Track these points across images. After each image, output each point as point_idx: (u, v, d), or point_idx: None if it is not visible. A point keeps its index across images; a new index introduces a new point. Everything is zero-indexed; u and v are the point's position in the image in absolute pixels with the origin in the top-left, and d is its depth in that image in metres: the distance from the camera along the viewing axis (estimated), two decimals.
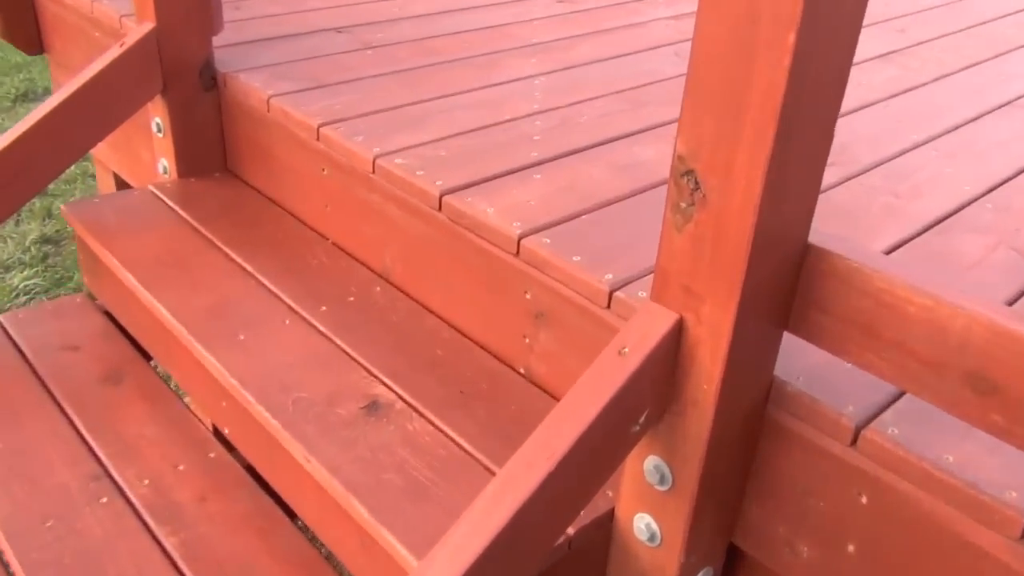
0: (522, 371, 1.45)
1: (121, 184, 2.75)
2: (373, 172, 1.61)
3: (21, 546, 1.33)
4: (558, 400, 1.36)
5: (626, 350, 1.00)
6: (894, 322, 0.95)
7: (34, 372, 1.69)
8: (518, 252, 1.38)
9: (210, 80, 1.95)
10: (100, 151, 2.61)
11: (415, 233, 1.57)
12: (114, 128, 1.87)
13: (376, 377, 1.42)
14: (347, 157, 1.66)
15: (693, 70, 0.89)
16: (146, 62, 1.84)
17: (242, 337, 1.49)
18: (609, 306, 1.26)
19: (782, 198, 0.91)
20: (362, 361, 1.46)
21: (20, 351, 1.74)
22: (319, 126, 1.71)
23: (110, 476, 1.48)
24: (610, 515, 1.20)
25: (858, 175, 1.66)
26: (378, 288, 1.65)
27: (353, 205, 1.69)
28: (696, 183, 0.93)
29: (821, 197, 1.55)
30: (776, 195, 0.90)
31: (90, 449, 1.53)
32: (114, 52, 1.81)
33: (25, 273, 3.45)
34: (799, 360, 1.12)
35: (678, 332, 1.01)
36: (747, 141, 0.87)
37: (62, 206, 1.87)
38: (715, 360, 0.99)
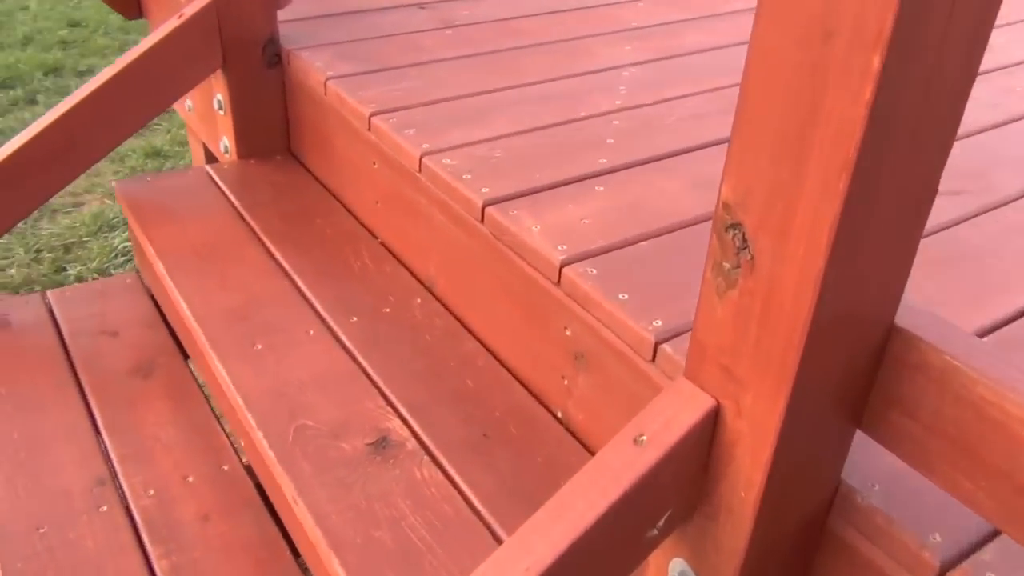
0: (560, 415, 1.26)
1: (210, 157, 2.71)
2: (419, 171, 1.44)
3: (8, 552, 1.25)
4: (593, 453, 1.17)
5: (644, 438, 0.80)
6: (1001, 444, 0.70)
7: (67, 357, 1.63)
8: (559, 281, 1.18)
9: (274, 56, 1.83)
10: (192, 121, 2.56)
11: (458, 244, 1.39)
12: (169, 104, 1.78)
13: (393, 407, 1.27)
14: (395, 152, 1.50)
15: (745, 96, 0.67)
16: (205, 36, 1.74)
17: (259, 347, 1.37)
18: (654, 359, 1.06)
19: (857, 269, 0.69)
20: (382, 386, 1.30)
21: (59, 332, 1.69)
22: (370, 115, 1.55)
23: (116, 481, 1.39)
24: None
25: (995, 208, 1.37)
26: (418, 300, 1.49)
27: (401, 205, 1.53)
28: (744, 240, 0.72)
29: (943, 235, 1.28)
30: (848, 265, 0.68)
31: (103, 448, 1.44)
32: (172, 24, 1.71)
33: (126, 235, 3.50)
34: (877, 462, 0.89)
35: (712, 422, 0.80)
36: (810, 193, 0.65)
37: (115, 183, 1.80)
38: (757, 464, 0.78)
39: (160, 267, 1.54)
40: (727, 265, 0.73)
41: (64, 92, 4.30)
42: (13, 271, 3.09)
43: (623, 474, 0.79)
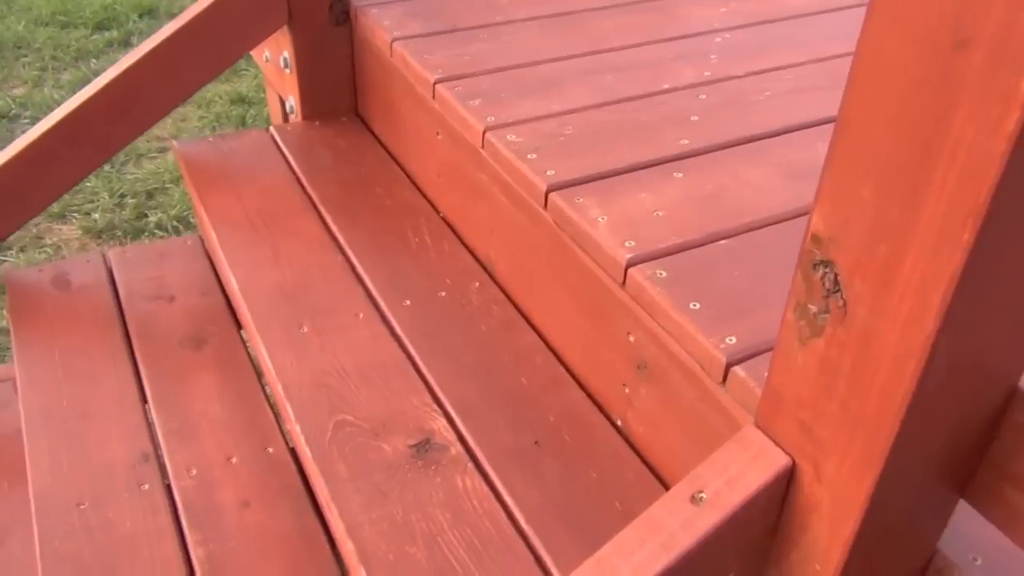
0: (619, 423, 1.15)
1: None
2: (482, 147, 1.33)
3: (48, 529, 1.23)
4: (654, 473, 1.06)
5: (703, 496, 0.69)
6: None
7: (122, 322, 1.60)
8: (624, 283, 1.06)
9: (342, 13, 1.73)
10: (269, 73, 2.50)
11: (520, 228, 1.28)
12: (233, 61, 1.70)
13: (440, 405, 1.18)
14: (459, 124, 1.39)
15: (848, 110, 0.54)
16: None
17: (305, 329, 1.29)
18: (724, 382, 0.93)
19: (977, 331, 0.55)
20: (430, 380, 1.22)
21: (116, 295, 1.66)
22: (435, 82, 1.44)
23: (159, 459, 1.35)
24: None
25: None
26: (477, 284, 1.39)
27: (462, 180, 1.43)
28: (835, 283, 0.59)
29: None
30: (967, 327, 0.54)
31: (150, 422, 1.41)
32: None
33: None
34: (981, 531, 0.75)
35: (785, 484, 0.68)
36: (924, 239, 0.52)
37: (174, 143, 1.75)
38: (837, 537, 0.66)
39: (213, 236, 1.48)
40: (813, 308, 0.61)
41: None
42: (97, 216, 3.13)
43: (677, 537, 0.68)
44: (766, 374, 0.88)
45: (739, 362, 0.92)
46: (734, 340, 0.94)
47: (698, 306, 0.99)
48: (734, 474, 0.69)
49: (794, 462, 0.67)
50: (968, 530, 0.75)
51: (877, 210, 0.54)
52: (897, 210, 0.52)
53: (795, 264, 1.01)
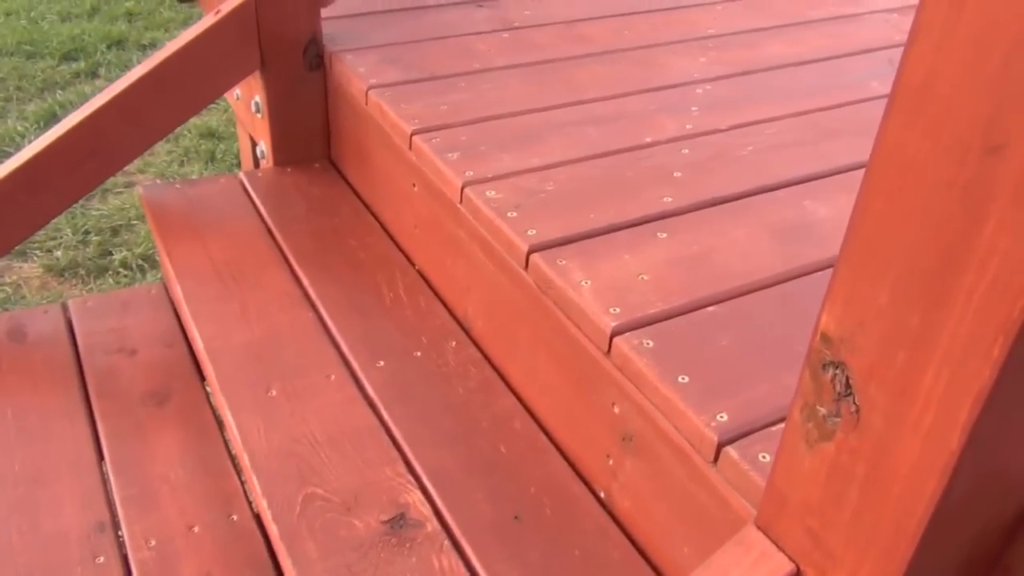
0: (602, 495, 1.10)
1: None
2: (460, 202, 1.29)
3: None
4: (640, 551, 1.01)
5: None
6: None
7: (81, 376, 1.52)
8: (609, 351, 1.02)
9: (316, 59, 1.69)
10: (239, 111, 2.45)
11: (499, 287, 1.24)
12: (204, 106, 1.65)
13: (415, 476, 1.12)
14: (437, 177, 1.35)
15: (864, 207, 0.50)
16: (243, 34, 1.60)
17: (273, 392, 1.24)
18: (716, 461, 0.89)
19: (1004, 446, 0.51)
20: (405, 448, 1.16)
21: (76, 347, 1.59)
22: (412, 133, 1.40)
23: (116, 528, 1.28)
24: None
25: None
26: (453, 343, 1.34)
27: (440, 234, 1.39)
28: (847, 386, 0.55)
29: None
30: (993, 442, 0.50)
31: (107, 486, 1.34)
32: (207, 21, 1.58)
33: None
34: None
35: None
36: (949, 350, 0.48)
37: (139, 188, 1.69)
38: None
39: (178, 289, 1.42)
40: (822, 411, 0.57)
41: (126, 65, 4.25)
42: (59, 253, 3.04)
43: None
44: (761, 456, 0.84)
45: (731, 441, 0.88)
46: (725, 417, 0.90)
47: (687, 379, 0.95)
48: None
49: (799, 569, 0.63)
50: None
51: (896, 315, 0.50)
52: (918, 317, 0.49)
53: (792, 331, 0.98)
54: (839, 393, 0.55)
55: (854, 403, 0.55)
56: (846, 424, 0.55)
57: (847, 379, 0.55)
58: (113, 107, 1.53)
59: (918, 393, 0.50)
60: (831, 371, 0.56)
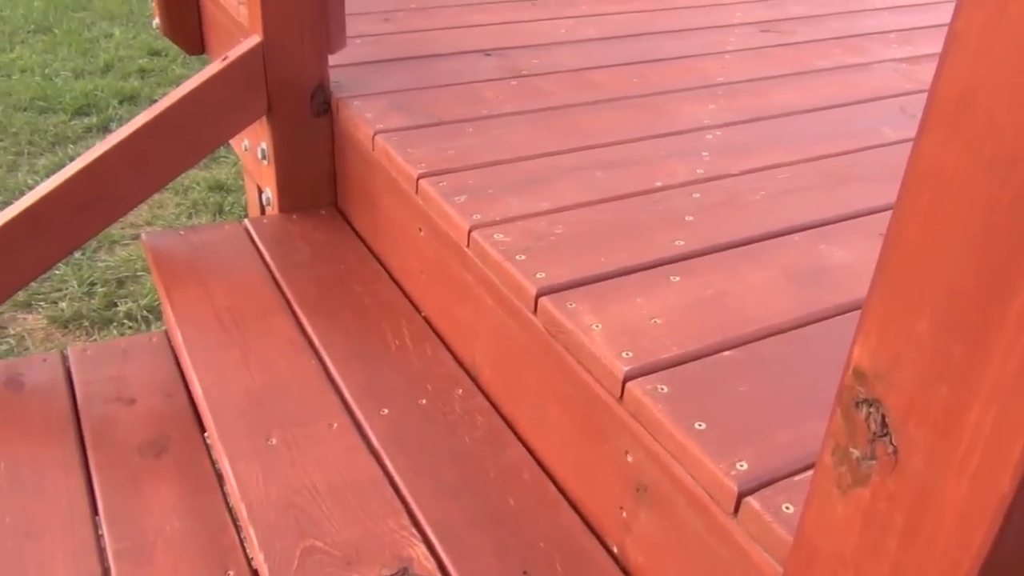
0: (615, 550, 1.05)
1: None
2: (467, 246, 1.26)
3: None
4: None
5: None
6: None
7: (78, 426, 1.48)
8: (622, 397, 0.98)
9: (323, 104, 1.68)
10: (247, 162, 2.45)
11: (507, 333, 1.20)
12: (210, 151, 1.64)
13: (419, 529, 1.07)
14: (443, 220, 1.32)
15: (899, 231, 0.47)
16: (250, 80, 1.60)
17: (274, 441, 1.19)
18: (736, 512, 0.84)
19: None
20: (409, 500, 1.11)
21: (73, 396, 1.55)
22: (419, 177, 1.38)
23: None
24: None
25: None
26: (460, 391, 1.30)
27: (446, 279, 1.36)
28: (883, 426, 0.51)
29: None
30: None
31: (100, 540, 1.29)
32: (215, 67, 1.57)
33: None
34: None
35: None
36: (998, 384, 0.44)
37: (143, 234, 1.67)
38: None
39: (179, 336, 1.39)
40: (856, 453, 0.53)
41: None
42: (64, 304, 3.02)
43: None
44: (784, 507, 0.79)
45: (752, 491, 0.83)
46: (745, 466, 0.86)
47: (704, 426, 0.91)
48: None
49: None
50: None
51: (936, 346, 0.46)
52: (961, 347, 0.45)
53: (812, 377, 0.94)
54: (874, 433, 0.51)
55: (891, 443, 0.51)
56: (883, 467, 0.51)
57: (883, 418, 0.51)
58: (118, 152, 1.52)
59: (963, 431, 0.46)
60: (865, 409, 0.52)
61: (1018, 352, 0.43)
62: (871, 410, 0.51)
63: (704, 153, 1.52)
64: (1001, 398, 0.44)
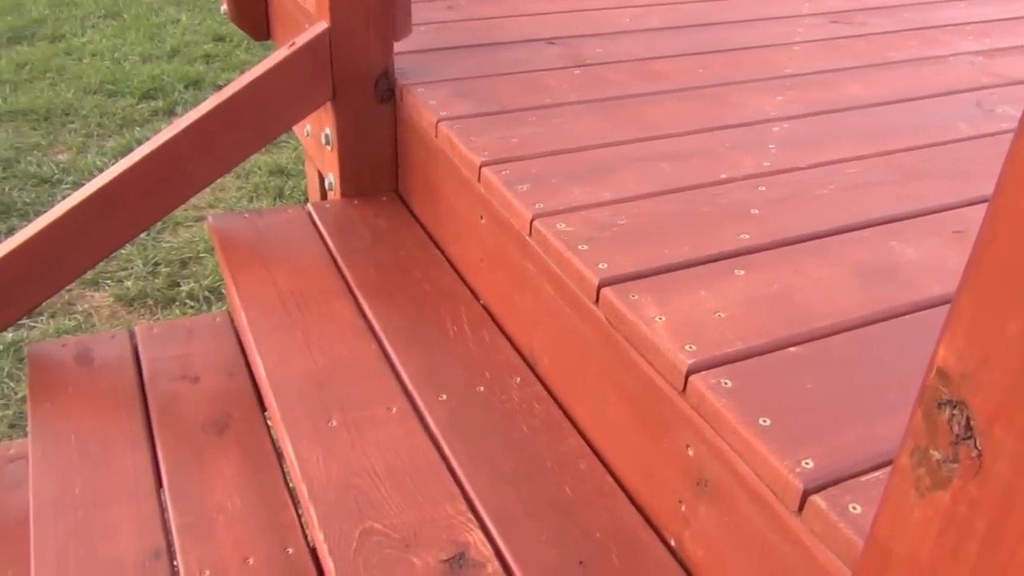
0: (672, 544, 1.04)
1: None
2: (529, 235, 1.26)
3: None
4: None
5: None
6: None
7: (144, 402, 1.52)
8: (685, 390, 0.97)
9: (387, 91, 1.69)
10: (309, 147, 2.48)
11: (568, 323, 1.20)
12: (276, 135, 1.67)
13: (476, 515, 1.08)
14: (505, 209, 1.32)
15: (995, 220, 0.46)
16: (316, 66, 1.62)
17: (334, 423, 1.21)
18: (800, 511, 0.83)
19: None
20: (467, 486, 1.12)
21: (140, 373, 1.59)
22: (481, 165, 1.38)
23: (171, 556, 1.26)
24: None
25: None
26: (518, 379, 1.30)
27: (507, 268, 1.36)
28: (967, 428, 0.49)
29: None
30: None
31: (164, 514, 1.32)
32: (282, 53, 1.59)
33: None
34: None
35: None
36: None
37: (208, 216, 1.70)
38: None
39: (243, 317, 1.42)
40: (936, 455, 0.51)
41: None
42: (129, 283, 3.11)
43: None
44: (851, 507, 0.78)
45: (818, 490, 0.82)
46: (811, 464, 0.84)
47: (768, 422, 0.89)
48: None
49: None
50: None
51: None
52: None
53: (880, 376, 0.92)
54: (957, 436, 0.50)
55: (975, 447, 0.49)
56: (965, 471, 0.50)
57: (967, 420, 0.49)
58: (187, 136, 1.55)
59: None
60: (948, 411, 0.50)
61: None
62: (955, 412, 0.50)
63: (771, 146, 1.49)
64: None
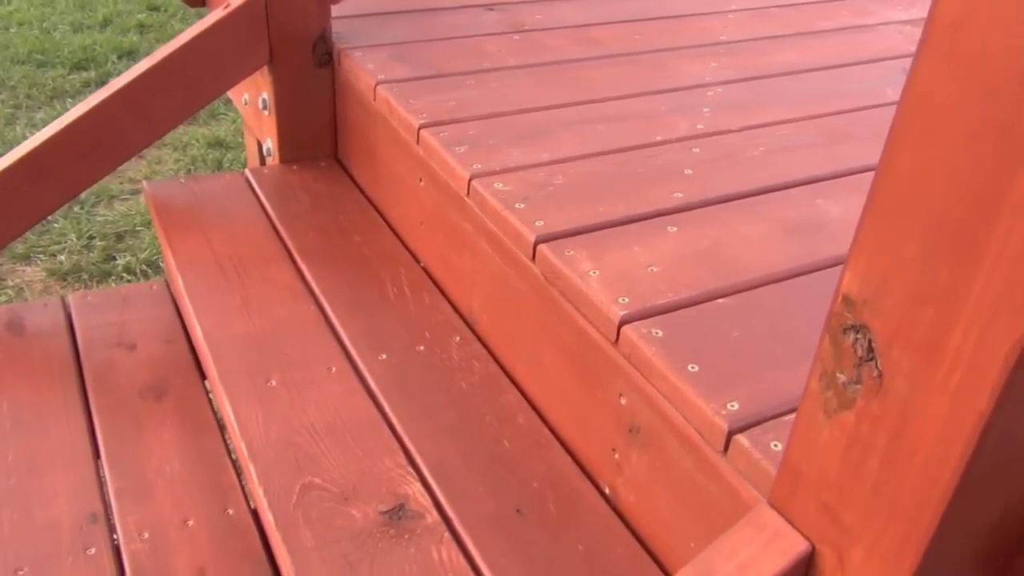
0: (607, 491, 1.08)
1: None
2: (467, 194, 1.27)
3: None
4: (645, 547, 0.98)
5: None
6: None
7: (79, 370, 1.50)
8: (617, 341, 1.00)
9: (325, 55, 1.68)
10: (247, 116, 2.45)
11: (505, 281, 1.22)
12: (209, 100, 1.64)
13: (416, 468, 1.10)
14: (444, 170, 1.33)
15: (891, 156, 0.48)
16: (251, 29, 1.60)
17: (273, 383, 1.21)
18: (726, 451, 0.86)
19: None
20: (406, 441, 1.14)
21: (74, 341, 1.56)
22: (420, 127, 1.39)
23: (109, 520, 1.25)
24: None
25: None
26: (457, 338, 1.32)
27: (446, 229, 1.37)
28: (869, 350, 0.52)
29: None
30: None
31: (101, 479, 1.31)
32: (216, 15, 1.57)
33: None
34: None
35: (804, 573, 0.61)
36: (981, 304, 0.45)
37: (144, 183, 1.68)
38: None
39: (179, 281, 1.40)
40: (842, 377, 0.54)
41: None
42: (63, 257, 3.03)
43: None
44: (772, 444, 0.81)
45: (742, 430, 0.85)
46: (736, 406, 0.88)
47: (696, 368, 0.93)
48: (746, 559, 0.62)
49: (814, 548, 0.60)
50: None
51: (923, 270, 0.48)
52: (947, 271, 0.46)
53: (804, 324, 0.95)
54: (860, 358, 0.53)
55: (876, 368, 0.52)
56: (867, 390, 0.53)
57: (869, 342, 0.52)
58: (119, 99, 1.53)
59: (945, 352, 0.48)
60: (852, 335, 0.53)
61: (1000, 273, 0.44)
62: (858, 336, 0.53)
63: (705, 109, 1.52)
64: (983, 319, 0.45)
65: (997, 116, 0.42)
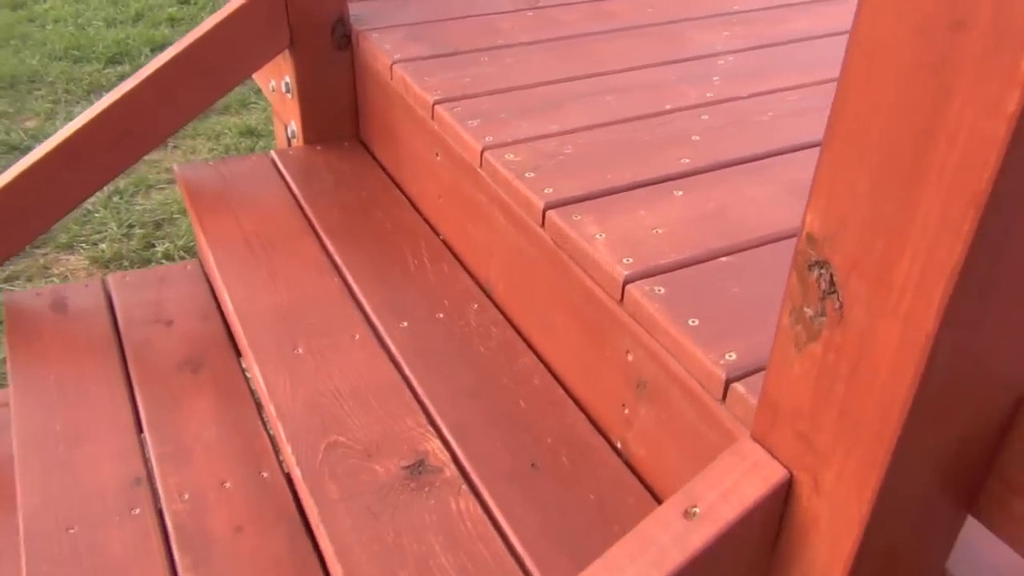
0: (618, 446, 1.12)
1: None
2: (480, 166, 1.32)
3: (36, 552, 1.21)
4: (655, 496, 1.03)
5: (696, 511, 0.66)
6: None
7: (119, 345, 1.58)
8: (622, 299, 1.04)
9: (343, 38, 1.73)
10: (275, 102, 2.51)
11: (518, 248, 1.27)
12: (234, 85, 1.71)
13: (435, 427, 1.15)
14: (458, 144, 1.38)
15: (842, 101, 0.52)
16: (272, 15, 1.65)
17: (300, 350, 1.27)
18: (724, 399, 0.90)
19: (980, 328, 0.53)
20: (426, 402, 1.19)
21: (114, 319, 1.64)
22: (434, 103, 1.44)
23: (152, 482, 1.33)
24: None
25: None
26: (475, 306, 1.37)
27: (462, 201, 1.42)
28: (831, 283, 0.56)
29: None
30: (969, 324, 0.52)
31: (143, 446, 1.39)
32: (237, 2, 1.63)
33: None
34: (992, 551, 0.72)
35: (783, 498, 0.65)
36: (923, 231, 0.49)
37: (175, 166, 1.75)
38: (837, 554, 0.62)
39: (211, 258, 1.47)
40: (809, 311, 0.58)
41: None
42: (104, 246, 3.14)
43: (669, 553, 0.65)
44: None
45: (739, 378, 0.89)
46: (734, 356, 0.92)
47: (697, 322, 0.97)
48: (729, 487, 0.66)
49: (792, 475, 0.64)
50: (980, 551, 0.72)
51: (873, 204, 0.52)
52: (893, 202, 0.50)
53: None
54: (824, 292, 0.57)
55: (838, 300, 0.56)
56: (831, 321, 0.57)
57: (831, 276, 0.56)
58: (147, 87, 1.59)
59: (895, 280, 0.51)
60: (816, 271, 0.57)
61: (939, 201, 0.48)
62: (821, 271, 0.57)
63: (715, 78, 1.55)
64: (926, 245, 0.49)
65: (928, 57, 0.46)
